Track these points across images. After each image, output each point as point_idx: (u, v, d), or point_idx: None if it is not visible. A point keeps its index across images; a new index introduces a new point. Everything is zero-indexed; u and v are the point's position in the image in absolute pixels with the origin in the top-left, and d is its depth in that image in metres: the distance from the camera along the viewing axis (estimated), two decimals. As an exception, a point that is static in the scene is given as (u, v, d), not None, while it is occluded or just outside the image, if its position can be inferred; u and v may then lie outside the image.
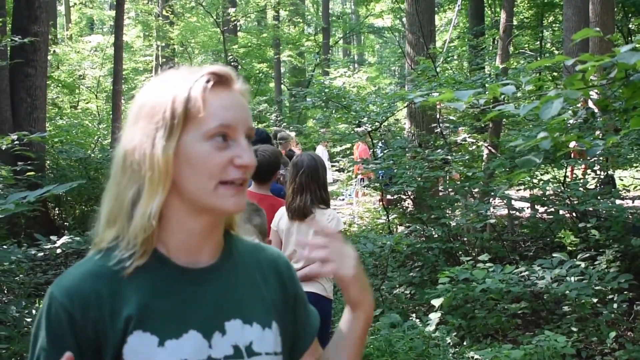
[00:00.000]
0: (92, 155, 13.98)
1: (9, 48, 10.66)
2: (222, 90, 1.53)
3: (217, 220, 1.58)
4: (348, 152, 16.93)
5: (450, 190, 9.45)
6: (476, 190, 9.24)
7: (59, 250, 6.55)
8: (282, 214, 5.06)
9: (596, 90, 4.01)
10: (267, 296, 1.68)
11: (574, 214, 8.63)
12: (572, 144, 7.23)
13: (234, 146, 1.50)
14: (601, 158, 8.38)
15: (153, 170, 1.48)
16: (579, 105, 6.68)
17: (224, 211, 1.53)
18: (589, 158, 8.39)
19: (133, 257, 1.51)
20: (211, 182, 1.48)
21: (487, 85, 9.05)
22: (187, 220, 1.55)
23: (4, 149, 6.72)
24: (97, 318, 1.47)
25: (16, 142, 6.34)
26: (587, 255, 7.01)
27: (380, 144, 11.28)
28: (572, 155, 8.48)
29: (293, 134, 13.30)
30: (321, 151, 16.44)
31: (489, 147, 10.14)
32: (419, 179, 8.71)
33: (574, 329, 6.35)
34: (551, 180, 8.70)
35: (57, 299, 1.47)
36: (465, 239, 9.04)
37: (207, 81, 1.51)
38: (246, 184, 1.54)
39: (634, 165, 10.15)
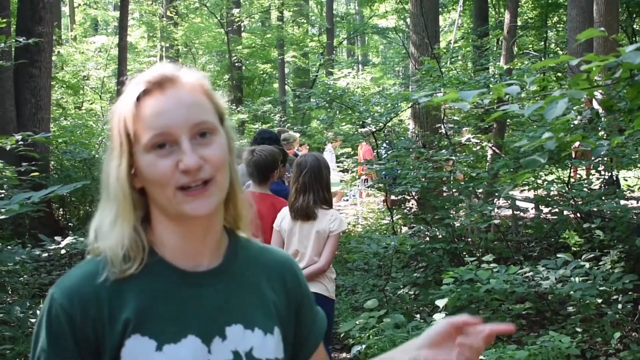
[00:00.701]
0: (96, 156, 13.98)
1: (13, 49, 10.67)
2: (159, 95, 1.50)
3: (204, 224, 1.56)
4: (353, 152, 16.90)
5: (454, 190, 9.44)
6: (480, 190, 9.23)
7: (63, 251, 6.57)
8: (284, 214, 5.07)
9: (600, 91, 4.01)
10: (271, 301, 1.66)
11: (578, 215, 8.62)
12: (576, 144, 7.22)
13: (177, 151, 1.46)
14: (605, 158, 8.36)
15: (111, 189, 1.52)
16: (583, 105, 6.66)
17: (187, 216, 1.50)
18: (593, 158, 8.38)
19: (120, 267, 1.51)
20: (168, 191, 1.47)
21: (491, 85, 9.07)
22: (172, 227, 1.55)
23: (8, 149, 6.73)
24: (96, 319, 1.47)
25: (20, 143, 6.35)
26: (592, 255, 7.00)
27: (384, 145, 11.27)
28: (574, 155, 8.47)
29: (297, 135, 13.27)
30: (329, 152, 16.38)
31: (493, 148, 10.14)
32: (423, 179, 8.70)
33: (579, 330, 6.35)
34: (555, 180, 8.69)
35: (57, 300, 1.48)
36: (469, 239, 9.03)
37: (138, 93, 1.50)
38: (211, 184, 1.49)
39: (639, 165, 10.13)
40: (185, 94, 1.51)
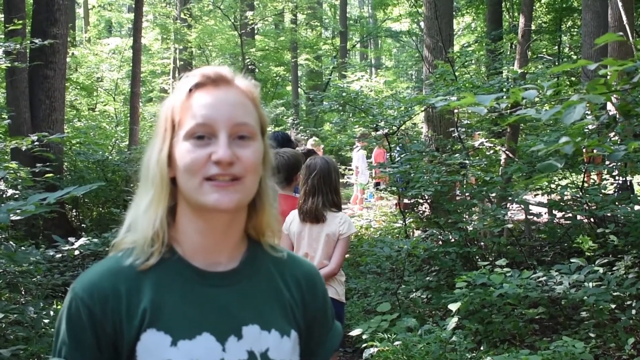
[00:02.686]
0: (110, 157, 14.04)
1: (28, 50, 10.73)
2: (211, 90, 1.55)
3: (225, 221, 1.59)
4: (367, 155, 16.84)
5: (467, 194, 9.42)
6: (493, 194, 9.21)
7: (77, 252, 6.58)
8: (293, 217, 5.07)
9: (616, 95, 3.99)
10: (289, 306, 1.68)
11: (592, 220, 8.59)
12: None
13: (213, 143, 1.51)
14: (619, 163, 8.33)
15: (150, 173, 1.57)
16: (602, 110, 6.63)
17: (209, 207, 1.52)
18: (607, 163, 8.34)
19: (148, 258, 1.55)
20: (195, 179, 1.51)
21: (505, 89, 9.04)
22: (194, 221, 1.58)
23: (24, 150, 6.77)
24: (115, 313, 1.50)
25: (36, 144, 6.38)
26: (606, 260, 6.97)
27: (397, 148, 11.25)
28: (585, 159, 8.45)
29: (311, 140, 13.29)
30: (361, 155, 16.20)
31: (507, 152, 10.11)
32: (436, 183, 8.68)
33: (592, 335, 6.32)
34: (569, 185, 8.65)
35: (78, 294, 1.52)
36: (482, 243, 9.00)
37: (193, 83, 1.55)
38: (239, 182, 1.52)
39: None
40: (235, 94, 1.57)
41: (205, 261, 1.60)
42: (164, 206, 1.56)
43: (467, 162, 9.02)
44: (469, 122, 11.16)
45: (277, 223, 1.71)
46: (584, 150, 7.43)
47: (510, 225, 8.61)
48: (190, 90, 1.56)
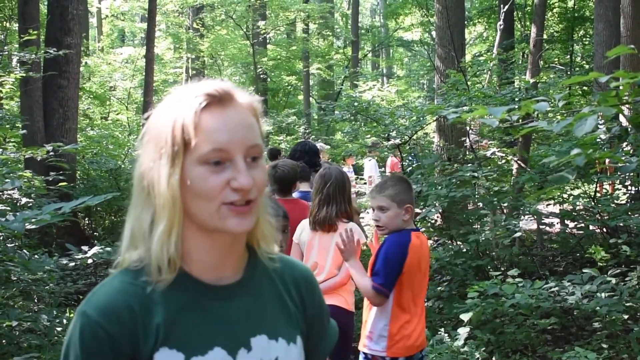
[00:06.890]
0: (123, 166, 14.09)
1: (42, 60, 10.80)
2: (219, 110, 1.50)
3: (232, 240, 1.58)
4: (381, 165, 16.80)
5: (479, 204, 9.40)
6: (505, 204, 9.18)
7: (90, 260, 6.62)
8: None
9: (627, 106, 3.99)
10: (292, 311, 1.70)
11: (604, 230, 8.56)
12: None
13: (230, 168, 1.48)
14: (632, 173, 8.30)
15: (160, 197, 1.50)
16: (614, 121, 6.62)
17: (228, 232, 1.52)
18: (619, 174, 8.32)
19: (158, 276, 1.52)
20: (212, 205, 1.48)
21: (517, 99, 9.03)
22: (203, 240, 1.56)
23: (39, 159, 6.82)
24: (132, 332, 1.48)
25: (51, 154, 6.43)
26: (618, 271, 6.94)
27: (409, 158, 11.25)
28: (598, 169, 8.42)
29: (327, 146, 13.28)
30: (373, 165, 16.15)
31: (519, 162, 10.09)
32: (447, 196, 8.66)
33: (604, 346, 6.29)
34: (581, 195, 8.63)
35: (92, 318, 1.48)
36: (494, 253, 8.97)
37: (201, 104, 1.49)
38: (254, 204, 1.52)
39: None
40: (242, 113, 1.53)
41: (212, 276, 1.59)
42: (178, 232, 1.52)
43: (476, 174, 9.00)
44: (476, 131, 11.14)
45: (272, 229, 1.70)
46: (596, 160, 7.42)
47: (519, 234, 8.59)
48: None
